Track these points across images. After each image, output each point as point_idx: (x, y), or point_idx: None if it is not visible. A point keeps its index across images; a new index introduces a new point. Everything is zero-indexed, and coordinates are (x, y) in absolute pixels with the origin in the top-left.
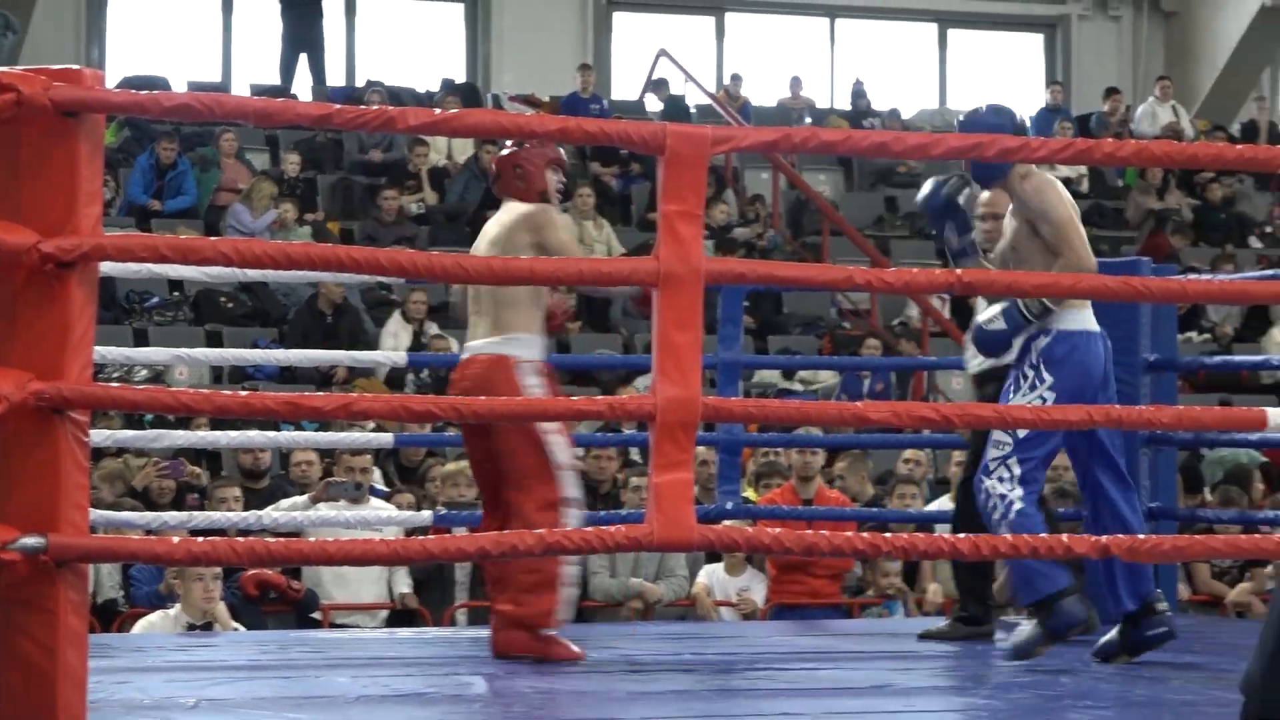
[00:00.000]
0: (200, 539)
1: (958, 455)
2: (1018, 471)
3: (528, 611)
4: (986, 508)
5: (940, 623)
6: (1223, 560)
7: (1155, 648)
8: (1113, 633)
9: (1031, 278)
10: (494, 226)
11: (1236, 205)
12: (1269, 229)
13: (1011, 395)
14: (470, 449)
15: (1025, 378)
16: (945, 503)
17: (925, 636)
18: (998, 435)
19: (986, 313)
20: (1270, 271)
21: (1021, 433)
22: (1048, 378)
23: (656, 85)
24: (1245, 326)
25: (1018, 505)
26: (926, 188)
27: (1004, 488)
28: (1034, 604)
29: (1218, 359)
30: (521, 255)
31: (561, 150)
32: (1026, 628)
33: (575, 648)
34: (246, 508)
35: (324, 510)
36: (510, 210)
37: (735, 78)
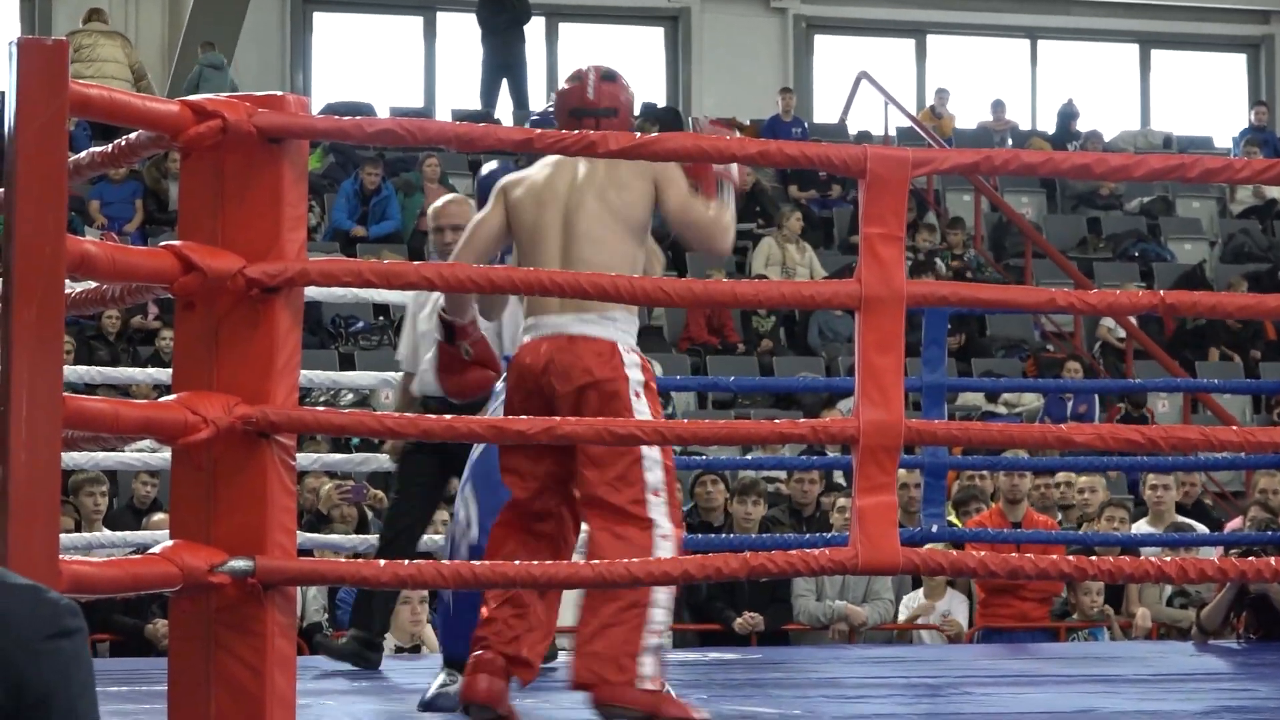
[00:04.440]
0: (406, 562)
1: (1151, 479)
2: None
3: None
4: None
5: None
6: None
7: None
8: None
9: (1236, 299)
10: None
11: None
12: None
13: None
14: None
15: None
16: (1143, 526)
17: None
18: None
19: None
20: None
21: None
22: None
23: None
24: None
25: None
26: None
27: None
28: None
29: None
30: None
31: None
32: None
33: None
34: None
35: None
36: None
37: (940, 93)
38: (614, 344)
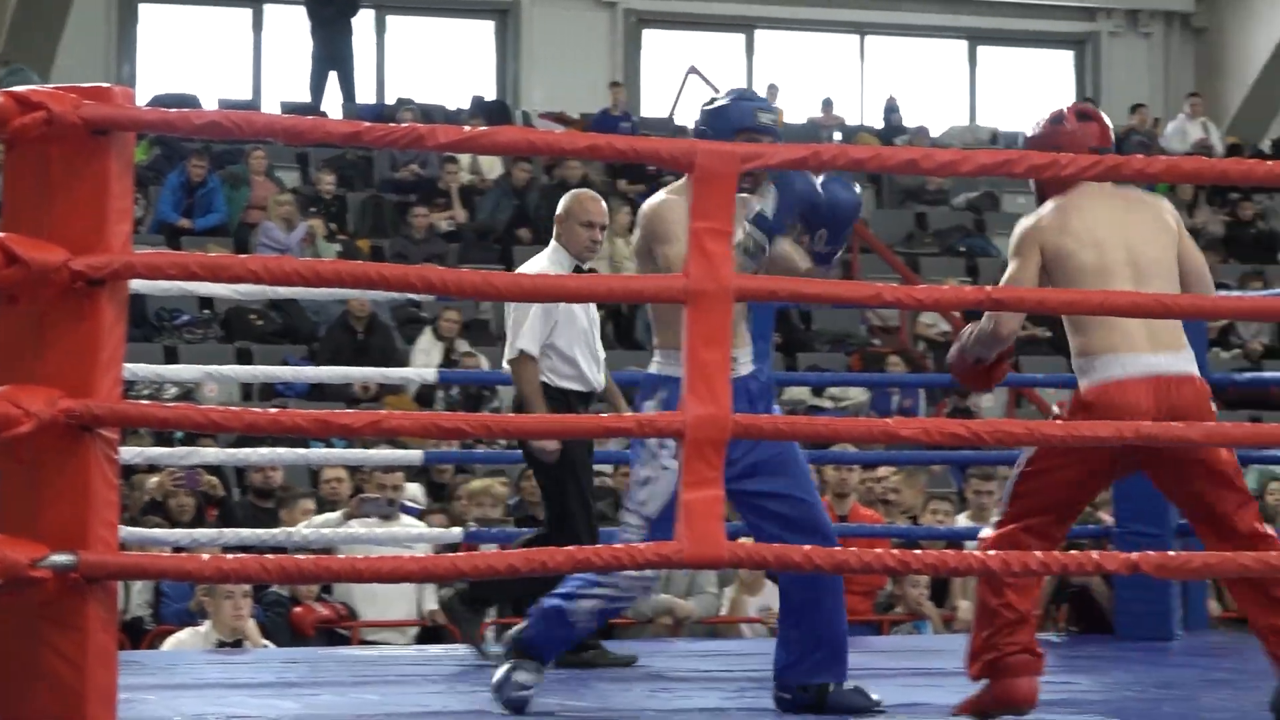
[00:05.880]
0: (230, 556)
1: (975, 481)
2: None
3: None
4: None
5: None
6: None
7: None
8: None
9: (1064, 294)
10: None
11: (1267, 222)
12: None
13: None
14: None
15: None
16: (965, 520)
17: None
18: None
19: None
20: None
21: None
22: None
23: None
24: (1277, 343)
25: None
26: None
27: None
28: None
29: (1248, 375)
30: None
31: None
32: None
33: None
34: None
35: (355, 527)
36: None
37: (770, 88)
38: (1204, 381)
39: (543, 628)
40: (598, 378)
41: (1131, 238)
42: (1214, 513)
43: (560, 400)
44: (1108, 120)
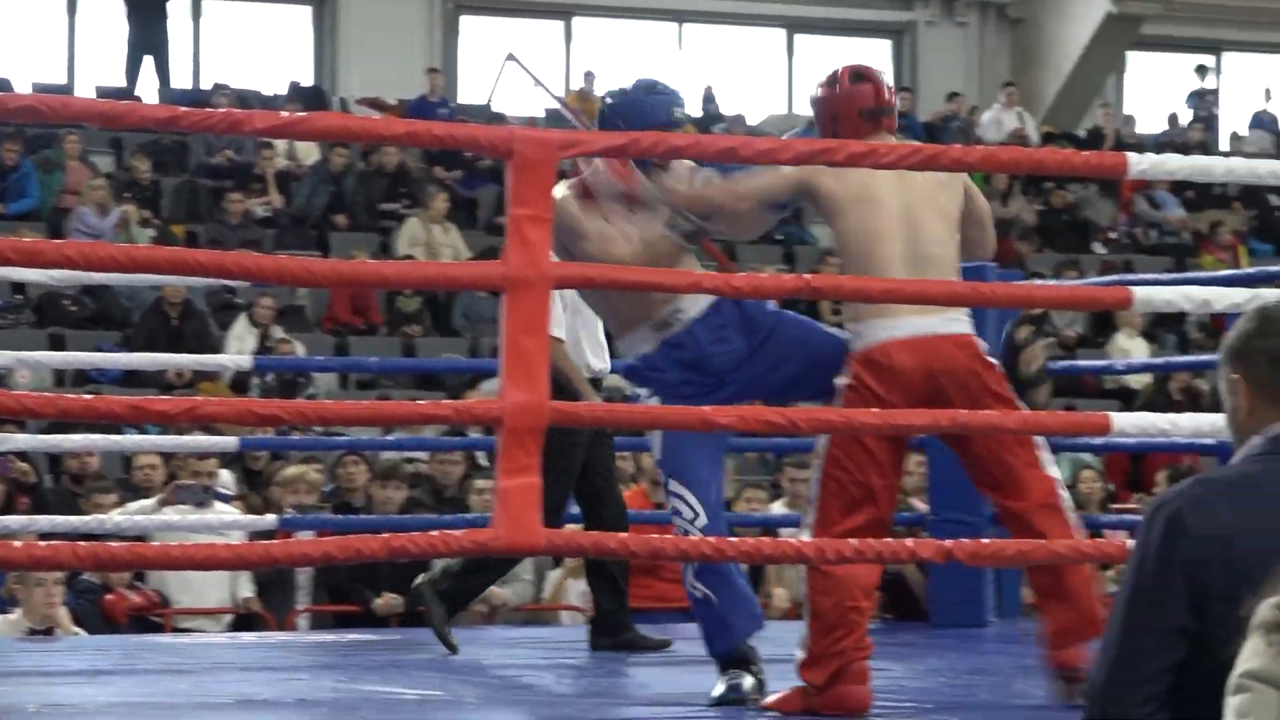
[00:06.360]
0: (42, 543)
1: (790, 470)
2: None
3: None
4: None
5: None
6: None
7: None
8: None
9: (880, 283)
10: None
11: (1081, 211)
12: (1113, 235)
13: None
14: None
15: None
16: (779, 508)
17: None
18: None
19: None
20: (1114, 277)
21: None
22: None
23: None
24: (1090, 332)
25: None
26: None
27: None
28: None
29: (1062, 364)
30: None
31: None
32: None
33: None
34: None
35: (168, 514)
36: None
37: (588, 76)
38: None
39: (713, 631)
40: (603, 363)
41: (912, 200)
42: (1006, 474)
43: (567, 386)
44: (886, 81)
